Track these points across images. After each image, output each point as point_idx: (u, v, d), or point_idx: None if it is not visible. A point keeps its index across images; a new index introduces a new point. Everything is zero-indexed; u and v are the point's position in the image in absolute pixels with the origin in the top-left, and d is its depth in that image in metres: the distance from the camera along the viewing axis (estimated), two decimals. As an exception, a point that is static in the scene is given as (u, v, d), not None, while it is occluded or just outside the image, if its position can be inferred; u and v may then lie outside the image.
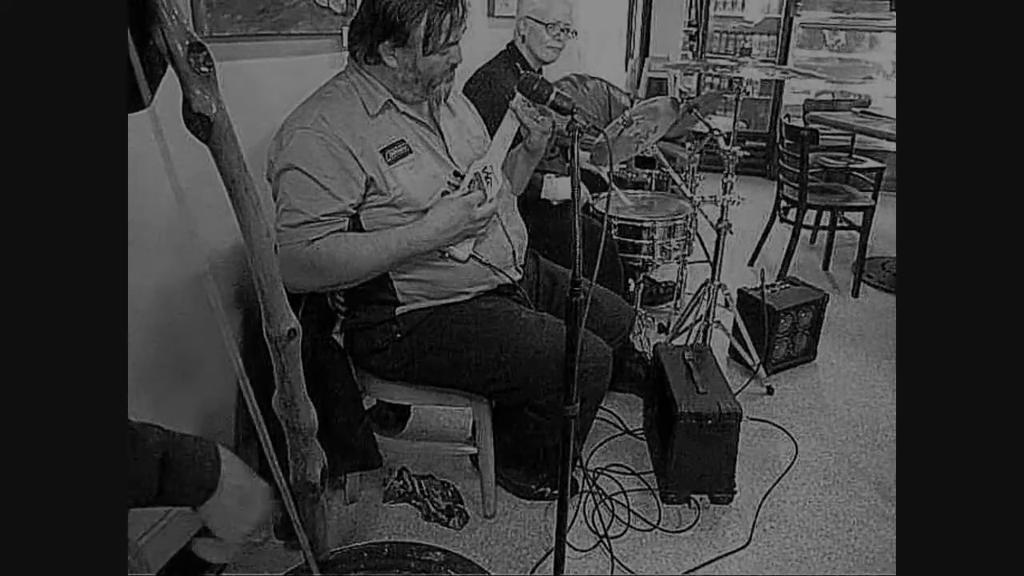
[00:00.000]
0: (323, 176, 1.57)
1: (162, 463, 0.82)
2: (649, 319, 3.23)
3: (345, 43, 2.15)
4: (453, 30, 1.64)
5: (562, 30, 2.58)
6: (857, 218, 3.86)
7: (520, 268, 1.90)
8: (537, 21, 2.55)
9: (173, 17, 0.73)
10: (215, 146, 0.80)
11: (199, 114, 0.77)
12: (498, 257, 1.82)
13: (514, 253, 1.87)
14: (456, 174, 1.75)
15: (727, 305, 2.86)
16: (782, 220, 4.07)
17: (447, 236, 1.67)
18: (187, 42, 0.74)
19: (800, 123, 4.36)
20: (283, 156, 1.59)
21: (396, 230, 1.65)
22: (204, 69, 0.76)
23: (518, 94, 1.72)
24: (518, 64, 2.59)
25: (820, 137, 3.74)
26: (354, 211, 1.65)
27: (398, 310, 1.77)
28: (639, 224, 2.73)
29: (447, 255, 1.72)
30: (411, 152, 1.69)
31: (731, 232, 2.69)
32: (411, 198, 1.67)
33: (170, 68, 0.77)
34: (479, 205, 1.68)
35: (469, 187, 1.71)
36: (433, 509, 2.05)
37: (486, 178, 1.73)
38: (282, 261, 1.58)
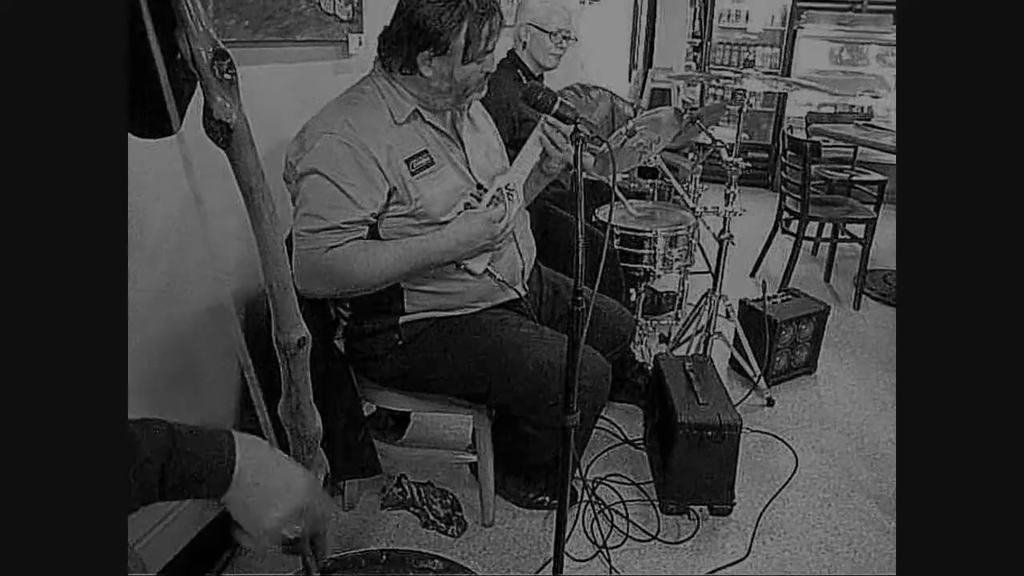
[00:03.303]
0: (346, 183, 1.56)
1: (163, 466, 0.80)
2: (650, 329, 3.23)
3: (350, 50, 2.16)
4: (491, 38, 1.63)
5: (564, 37, 2.60)
6: (859, 230, 3.86)
7: (526, 285, 1.90)
8: (539, 28, 2.57)
9: (199, 24, 0.73)
10: (234, 153, 0.79)
11: (220, 121, 0.76)
12: (509, 273, 1.81)
13: (523, 270, 1.87)
14: (480, 187, 1.74)
15: (728, 316, 2.86)
16: (784, 232, 4.07)
17: (466, 249, 1.66)
18: (212, 49, 0.74)
19: (803, 135, 4.37)
20: (306, 159, 1.57)
21: (415, 240, 1.64)
22: (227, 77, 0.76)
23: (542, 121, 1.73)
24: (520, 71, 2.60)
25: (822, 149, 3.75)
26: (374, 220, 1.63)
27: (402, 319, 1.77)
28: (641, 234, 2.74)
29: (463, 268, 1.72)
30: (433, 163, 1.68)
31: (733, 243, 2.69)
32: (431, 210, 1.65)
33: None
34: (499, 220, 1.67)
35: (491, 202, 1.71)
36: (432, 516, 2.04)
37: (508, 195, 1.73)
38: (298, 266, 1.58)
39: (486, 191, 1.73)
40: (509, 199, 1.73)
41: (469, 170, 1.76)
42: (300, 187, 1.59)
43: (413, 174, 1.64)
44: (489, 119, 1.98)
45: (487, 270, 1.75)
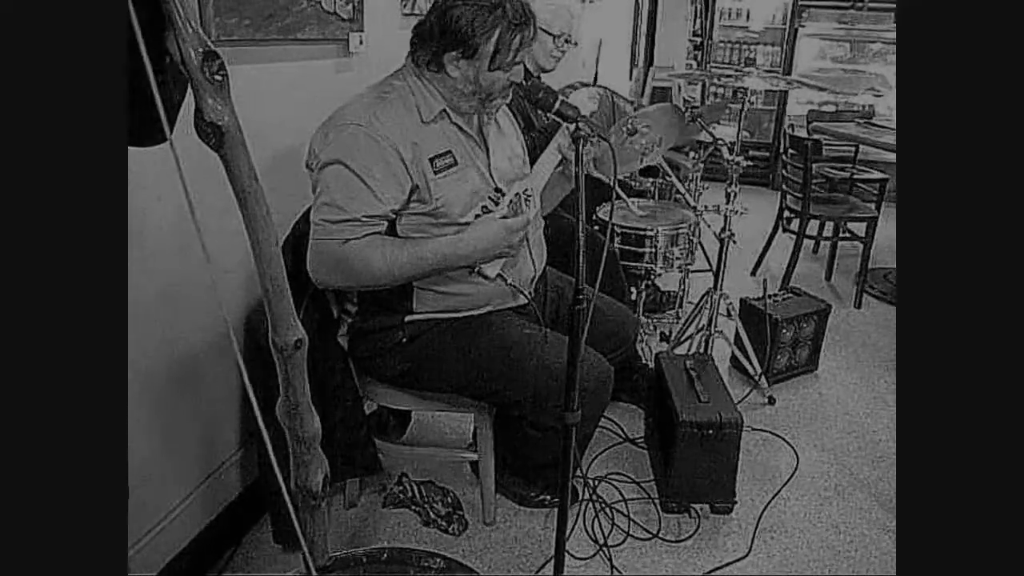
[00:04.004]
0: (369, 176, 1.56)
1: None
2: (651, 328, 3.23)
3: (351, 48, 2.16)
4: (521, 49, 1.64)
5: (565, 41, 2.60)
6: (860, 229, 3.86)
7: (532, 290, 1.90)
8: (543, 30, 2.56)
9: (188, 25, 0.73)
10: (226, 155, 0.79)
11: (211, 123, 0.76)
12: (520, 279, 1.82)
13: (533, 277, 1.88)
14: (498, 190, 1.75)
15: (729, 314, 2.86)
16: (785, 230, 4.07)
17: (484, 254, 1.65)
18: (202, 50, 0.74)
19: (804, 133, 4.36)
20: (331, 149, 1.57)
21: (434, 241, 1.64)
22: (218, 78, 0.76)
23: (562, 127, 1.72)
24: None
25: (823, 148, 3.75)
26: (394, 216, 1.63)
27: (407, 318, 1.77)
28: (642, 233, 2.73)
29: (477, 271, 1.71)
30: (456, 164, 1.68)
31: (734, 242, 2.69)
32: (451, 211, 1.66)
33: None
34: (519, 229, 1.67)
35: (508, 207, 1.71)
36: (432, 515, 2.04)
37: (525, 200, 1.73)
38: (313, 255, 1.58)
39: (504, 195, 1.73)
40: (526, 205, 1.73)
41: (491, 174, 1.76)
42: (322, 176, 1.58)
43: (436, 173, 1.64)
44: (515, 124, 1.98)
45: (500, 275, 1.75)
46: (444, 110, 1.67)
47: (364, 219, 1.56)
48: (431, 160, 1.63)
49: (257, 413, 0.90)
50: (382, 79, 1.71)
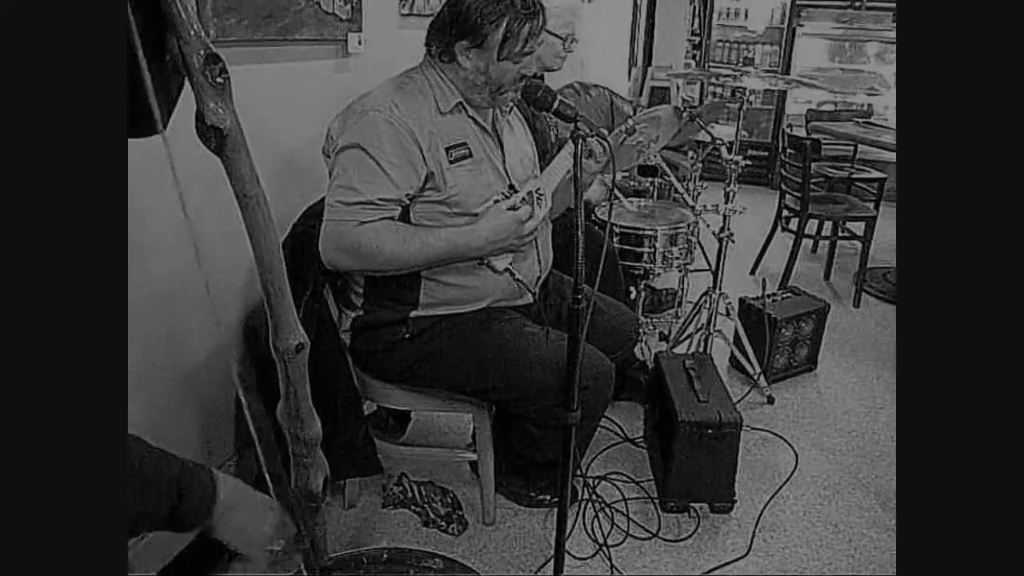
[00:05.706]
0: (386, 161, 1.58)
1: (179, 495, 0.86)
2: (650, 327, 3.23)
3: (349, 49, 2.16)
4: (530, 40, 1.65)
5: (572, 41, 2.59)
6: (859, 228, 3.86)
7: (535, 292, 1.91)
8: (554, 34, 2.56)
9: (191, 28, 0.73)
10: (227, 159, 0.79)
11: (212, 126, 0.76)
12: (527, 279, 1.82)
13: (539, 277, 1.88)
14: (510, 187, 1.76)
15: (728, 314, 2.86)
16: (784, 229, 4.07)
17: (494, 246, 1.67)
18: (203, 53, 0.74)
19: (802, 133, 4.36)
20: (350, 133, 1.59)
21: (445, 230, 1.66)
22: (219, 81, 0.75)
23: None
24: None
25: (822, 147, 3.75)
26: (408, 201, 1.65)
27: (412, 313, 1.77)
28: (641, 232, 2.74)
29: (486, 263, 1.73)
30: (471, 156, 1.70)
31: (732, 241, 2.69)
32: (464, 200, 1.68)
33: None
34: (527, 221, 1.69)
35: (520, 201, 1.72)
36: (432, 515, 2.04)
37: (538, 198, 1.75)
38: (326, 236, 1.60)
39: (516, 192, 1.75)
40: (537, 203, 1.74)
41: (505, 170, 1.77)
42: (339, 159, 1.61)
43: (451, 163, 1.67)
44: (527, 128, 2.00)
45: (508, 269, 1.76)
46: (460, 103, 1.70)
47: (379, 202, 1.58)
48: (447, 150, 1.66)
49: (249, 421, 0.91)
50: (400, 72, 1.74)
